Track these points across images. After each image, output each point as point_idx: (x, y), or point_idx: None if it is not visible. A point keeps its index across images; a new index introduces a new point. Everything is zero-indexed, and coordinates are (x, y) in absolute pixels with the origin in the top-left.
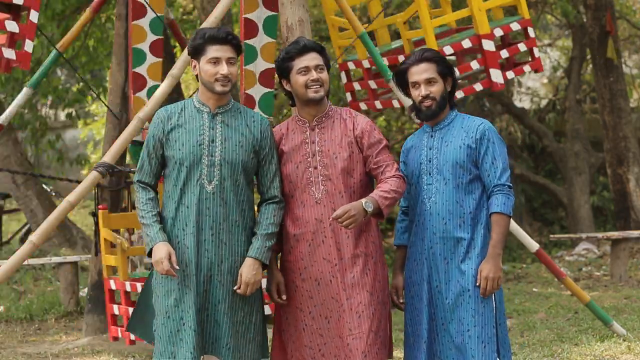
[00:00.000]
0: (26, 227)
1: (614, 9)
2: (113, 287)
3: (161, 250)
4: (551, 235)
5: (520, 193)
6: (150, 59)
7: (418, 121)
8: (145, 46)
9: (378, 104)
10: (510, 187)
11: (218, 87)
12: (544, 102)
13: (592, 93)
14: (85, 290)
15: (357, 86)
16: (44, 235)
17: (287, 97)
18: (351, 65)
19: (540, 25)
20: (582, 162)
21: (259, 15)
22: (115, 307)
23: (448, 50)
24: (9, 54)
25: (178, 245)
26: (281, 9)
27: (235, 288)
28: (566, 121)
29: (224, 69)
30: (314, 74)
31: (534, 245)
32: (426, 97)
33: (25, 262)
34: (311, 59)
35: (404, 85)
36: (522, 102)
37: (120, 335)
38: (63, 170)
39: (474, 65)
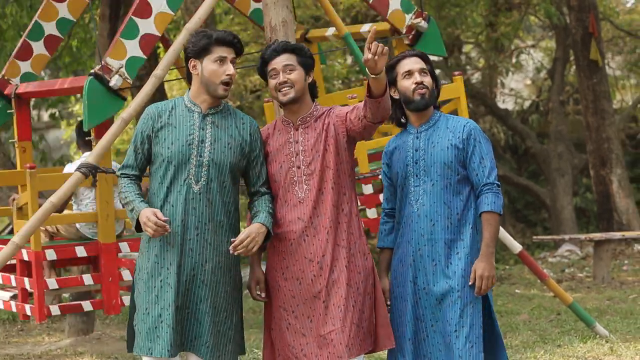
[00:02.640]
0: (9, 228)
1: (597, 10)
2: (25, 257)
3: (146, 211)
4: (534, 237)
5: (503, 194)
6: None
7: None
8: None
9: None
10: (498, 186)
11: (220, 91)
12: (527, 104)
13: (575, 94)
14: None
15: None
16: (27, 236)
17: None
18: None
19: (523, 27)
20: (565, 164)
21: None
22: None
23: None
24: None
25: (160, 243)
26: (265, 10)
27: (233, 243)
28: (549, 122)
29: (230, 68)
30: (280, 77)
31: (516, 246)
32: (420, 83)
33: (8, 263)
34: (281, 61)
35: (391, 81)
36: (505, 103)
37: (29, 313)
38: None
39: None
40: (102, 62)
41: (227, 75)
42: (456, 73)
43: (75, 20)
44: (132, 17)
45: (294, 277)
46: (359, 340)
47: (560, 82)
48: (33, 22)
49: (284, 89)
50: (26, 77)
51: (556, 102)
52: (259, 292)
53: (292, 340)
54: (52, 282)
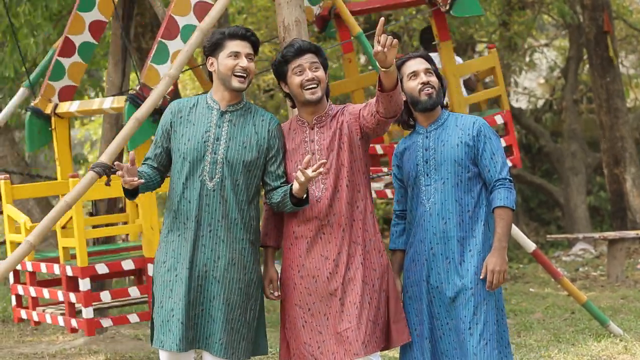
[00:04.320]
0: None
1: (610, 9)
2: (18, 267)
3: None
4: (548, 236)
5: (517, 193)
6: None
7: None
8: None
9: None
10: (511, 181)
11: (235, 83)
12: (540, 102)
13: (588, 93)
14: None
15: None
16: (40, 235)
17: (287, 99)
18: None
19: (537, 26)
20: (578, 162)
21: None
22: (20, 287)
23: None
24: (73, 323)
25: (178, 238)
26: (278, 10)
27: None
28: (563, 121)
29: (243, 62)
30: (309, 74)
31: (530, 245)
32: (427, 83)
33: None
34: (307, 59)
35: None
36: (518, 102)
37: (25, 317)
38: None
39: None
40: (139, 85)
41: (240, 67)
42: (490, 45)
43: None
44: (161, 39)
45: (309, 275)
46: (375, 337)
47: (574, 81)
48: (62, 39)
49: (311, 87)
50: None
51: (570, 100)
52: (272, 291)
53: (308, 338)
54: (105, 295)
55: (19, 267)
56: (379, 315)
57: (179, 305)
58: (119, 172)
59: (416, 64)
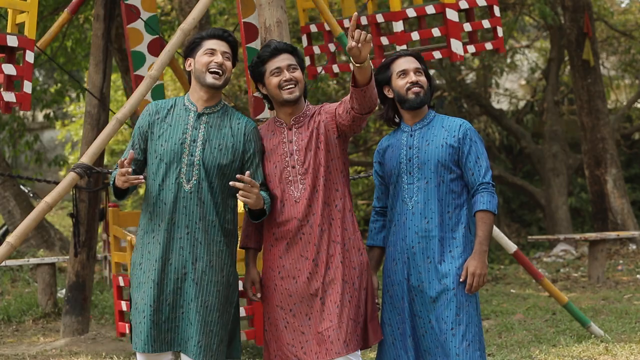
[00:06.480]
0: (4, 228)
1: (591, 10)
2: (121, 283)
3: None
4: (529, 237)
5: (498, 194)
6: (150, 59)
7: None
8: (143, 47)
9: (336, 68)
10: (493, 186)
11: (209, 79)
12: (522, 104)
13: (570, 94)
14: (63, 291)
15: (316, 50)
16: (21, 236)
17: (265, 100)
18: (313, 28)
19: (518, 27)
20: (560, 164)
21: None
22: (123, 303)
23: (411, 13)
24: (9, 96)
25: (153, 240)
26: (259, 10)
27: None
28: (544, 122)
29: (218, 58)
30: (286, 74)
31: (512, 246)
32: (416, 83)
33: (3, 263)
34: (283, 59)
35: (386, 80)
36: (500, 103)
37: (127, 331)
38: (41, 171)
39: (435, 32)
40: None
41: (215, 63)
42: None
43: None
44: None
45: (290, 276)
46: (356, 335)
47: (555, 82)
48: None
49: (289, 87)
50: None
51: (551, 102)
52: (254, 292)
53: (291, 339)
54: None
55: (122, 284)
56: (359, 313)
57: (151, 307)
58: (124, 170)
59: (407, 63)
